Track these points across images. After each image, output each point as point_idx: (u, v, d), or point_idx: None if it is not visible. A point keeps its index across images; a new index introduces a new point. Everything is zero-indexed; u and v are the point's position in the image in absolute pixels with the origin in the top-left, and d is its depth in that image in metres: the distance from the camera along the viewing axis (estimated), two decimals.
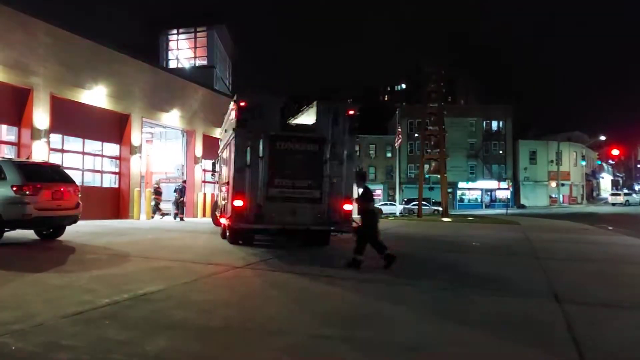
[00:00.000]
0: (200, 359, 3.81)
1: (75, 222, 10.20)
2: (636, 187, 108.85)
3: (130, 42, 35.15)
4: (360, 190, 8.41)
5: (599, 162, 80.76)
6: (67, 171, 17.59)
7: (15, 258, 8.26)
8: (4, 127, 16.09)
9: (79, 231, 11.90)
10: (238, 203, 9.95)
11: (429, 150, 33.65)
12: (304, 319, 5.09)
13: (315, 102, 10.72)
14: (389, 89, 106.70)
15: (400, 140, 34.12)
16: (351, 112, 10.47)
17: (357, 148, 9.67)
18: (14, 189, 8.79)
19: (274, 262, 8.59)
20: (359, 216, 8.35)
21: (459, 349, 4.20)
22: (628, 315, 5.70)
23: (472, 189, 69.72)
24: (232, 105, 10.55)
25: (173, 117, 22.69)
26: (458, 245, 13.51)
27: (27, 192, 8.86)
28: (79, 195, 10.22)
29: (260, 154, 9.99)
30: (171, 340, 4.19)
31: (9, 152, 15.52)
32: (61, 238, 10.53)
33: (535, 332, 4.80)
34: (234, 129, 10.27)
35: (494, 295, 6.51)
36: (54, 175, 9.99)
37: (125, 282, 6.32)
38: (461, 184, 68.77)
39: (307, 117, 10.94)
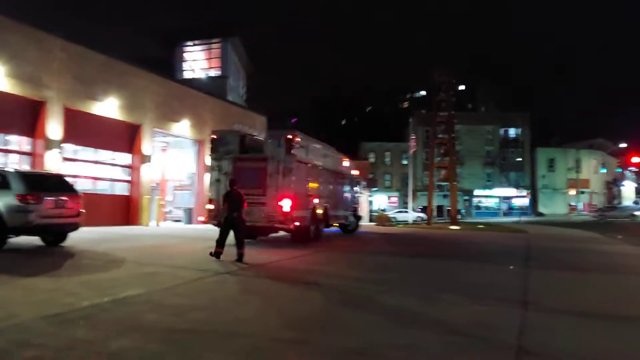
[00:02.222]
0: (153, 358, 4.15)
1: (76, 229, 10.68)
2: None
3: (148, 54, 36.19)
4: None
5: (619, 170, 79.18)
6: (79, 180, 18.46)
7: (15, 263, 8.77)
8: (19, 138, 16.79)
9: (84, 237, 12.42)
10: (210, 207, 13.55)
11: (438, 158, 33.67)
12: (269, 323, 5.38)
13: (267, 133, 13.93)
14: (408, 95, 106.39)
15: (414, 148, 34.33)
16: (289, 137, 13.22)
17: (293, 164, 13.31)
18: (18, 197, 9.33)
19: (261, 268, 8.93)
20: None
21: (404, 354, 4.45)
22: (589, 323, 5.84)
23: (489, 197, 69.15)
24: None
25: (183, 127, 23.29)
26: (453, 253, 13.67)
27: (30, 201, 9.39)
28: (81, 204, 10.70)
29: (225, 171, 13.37)
30: (134, 340, 4.52)
31: (24, 162, 16.25)
32: (66, 244, 11.03)
33: (485, 337, 5.02)
34: (209, 155, 13.94)
35: (463, 302, 6.71)
36: (56, 185, 10.52)
37: (110, 286, 6.71)
38: (477, 192, 68.28)
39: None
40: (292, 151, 13.17)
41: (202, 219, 15.03)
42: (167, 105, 22.03)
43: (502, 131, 69.92)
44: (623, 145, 67.76)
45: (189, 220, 24.19)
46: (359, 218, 20.90)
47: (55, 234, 10.53)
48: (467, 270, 10.07)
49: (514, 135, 70.21)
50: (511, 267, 10.56)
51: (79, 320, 5.04)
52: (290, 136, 13.25)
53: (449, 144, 31.08)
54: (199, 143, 25.07)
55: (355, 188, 20.52)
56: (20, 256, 9.67)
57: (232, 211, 9.80)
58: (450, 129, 30.90)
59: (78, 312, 5.35)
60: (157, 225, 20.62)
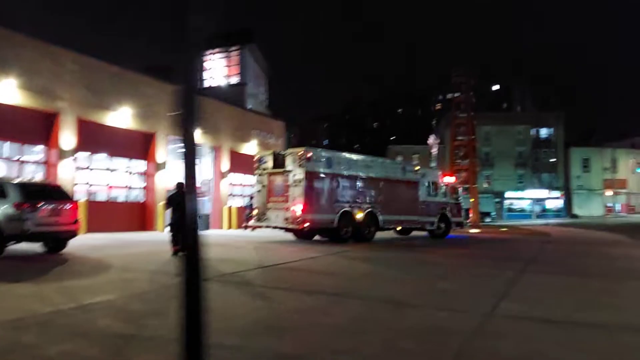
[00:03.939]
0: None
1: (74, 236, 11.03)
2: None
3: (170, 63, 36.98)
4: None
5: None
6: (94, 187, 19.05)
7: (6, 269, 9.08)
8: (33, 148, 17.43)
9: (89, 244, 12.83)
10: (255, 212, 17.40)
11: (458, 161, 33.17)
12: (219, 328, 5.40)
13: (287, 150, 17.12)
14: (441, 97, 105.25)
15: (435, 147, 33.96)
16: (300, 153, 15.89)
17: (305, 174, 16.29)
18: (14, 206, 9.73)
19: (245, 275, 8.99)
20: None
21: (344, 358, 4.44)
22: (550, 329, 5.65)
23: (522, 199, 67.52)
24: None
25: (198, 134, 23.70)
26: (452, 258, 13.44)
27: (26, 210, 9.77)
28: (78, 212, 11.05)
29: (263, 184, 16.94)
30: (76, 345, 4.65)
31: (39, 172, 16.90)
32: (66, 250, 11.37)
33: (432, 342, 4.96)
34: (255, 171, 17.64)
35: (430, 308, 6.62)
36: (53, 193, 10.91)
37: (83, 292, 6.90)
38: (509, 194, 66.79)
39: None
40: (303, 165, 15.70)
41: (252, 223, 17.95)
42: None
43: (534, 131, 68.15)
44: None
45: (207, 226, 24.56)
46: (449, 223, 21.56)
47: (52, 241, 10.90)
48: (455, 276, 9.90)
49: (546, 136, 68.35)
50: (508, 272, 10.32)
51: (33, 326, 5.20)
52: (300, 153, 15.89)
53: (469, 146, 30.57)
54: (215, 149, 25.48)
55: (440, 194, 21.39)
56: (15, 263, 10.04)
57: (176, 212, 11.18)
58: (471, 131, 30.39)
59: (37, 318, 5.53)
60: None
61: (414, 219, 19.93)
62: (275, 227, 16.84)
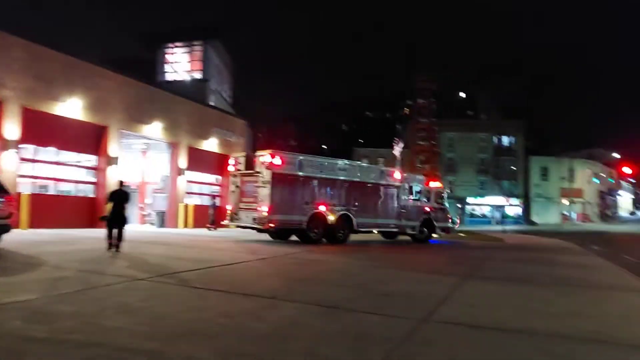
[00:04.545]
0: None
1: (7, 231, 10.41)
2: None
3: (132, 56, 36.15)
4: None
5: (612, 180, 78.91)
6: (39, 181, 18.30)
7: None
8: None
9: (28, 239, 12.29)
10: (227, 211, 17.77)
11: (419, 166, 33.49)
12: (139, 332, 5.16)
13: (258, 152, 17.28)
14: (409, 102, 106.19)
15: (398, 151, 34.18)
16: (266, 156, 16.24)
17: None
18: None
19: (185, 275, 8.71)
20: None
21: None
22: (479, 335, 5.65)
23: (482, 205, 68.93)
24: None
25: (155, 129, 23.10)
26: (409, 263, 13.46)
27: None
28: (13, 205, 10.49)
29: (237, 185, 17.48)
30: None
31: None
32: (0, 246, 10.81)
33: (357, 349, 4.84)
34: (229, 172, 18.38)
35: (365, 313, 6.51)
36: None
37: (4, 291, 6.51)
38: (470, 199, 68.04)
39: None
40: (269, 167, 16.01)
41: (225, 222, 18.10)
42: (136, 107, 21.88)
43: (496, 139, 69.66)
44: (616, 155, 67.55)
45: (162, 224, 23.99)
46: (432, 228, 21.62)
47: None
48: (400, 281, 9.87)
49: (508, 144, 69.98)
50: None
51: None
52: (268, 156, 16.23)
53: (429, 151, 30.91)
54: (173, 145, 24.92)
55: (422, 199, 21.47)
56: None
57: (116, 207, 11.29)
58: (432, 137, 30.73)
59: None
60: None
61: (392, 222, 19.90)
62: (245, 227, 17.19)
